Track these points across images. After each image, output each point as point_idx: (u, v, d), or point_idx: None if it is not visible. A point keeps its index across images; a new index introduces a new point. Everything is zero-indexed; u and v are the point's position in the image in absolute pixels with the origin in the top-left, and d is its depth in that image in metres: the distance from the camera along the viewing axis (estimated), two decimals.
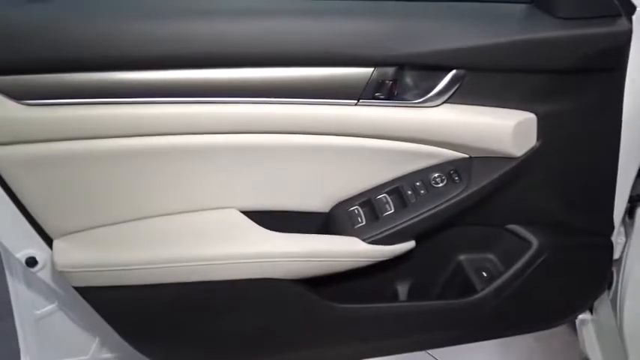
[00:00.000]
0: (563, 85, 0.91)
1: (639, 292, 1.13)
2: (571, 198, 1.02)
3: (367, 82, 0.88)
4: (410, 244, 0.99)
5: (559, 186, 1.01)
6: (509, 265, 1.05)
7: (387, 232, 0.97)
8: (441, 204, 0.96)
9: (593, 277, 1.11)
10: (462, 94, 0.90)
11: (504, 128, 0.92)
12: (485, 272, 1.07)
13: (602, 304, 1.21)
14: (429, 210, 0.96)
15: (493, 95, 0.92)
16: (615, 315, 1.17)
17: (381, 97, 0.89)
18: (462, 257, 1.10)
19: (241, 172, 0.95)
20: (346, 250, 0.97)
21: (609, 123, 0.95)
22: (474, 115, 0.92)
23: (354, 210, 1.00)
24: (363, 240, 0.97)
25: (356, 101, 0.89)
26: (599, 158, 0.99)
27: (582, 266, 1.08)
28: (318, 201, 1.00)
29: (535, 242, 1.04)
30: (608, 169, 0.99)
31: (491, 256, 1.10)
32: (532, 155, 0.95)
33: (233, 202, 0.98)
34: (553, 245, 1.04)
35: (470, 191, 0.96)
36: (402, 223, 0.96)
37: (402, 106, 0.91)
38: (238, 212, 0.98)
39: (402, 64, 0.88)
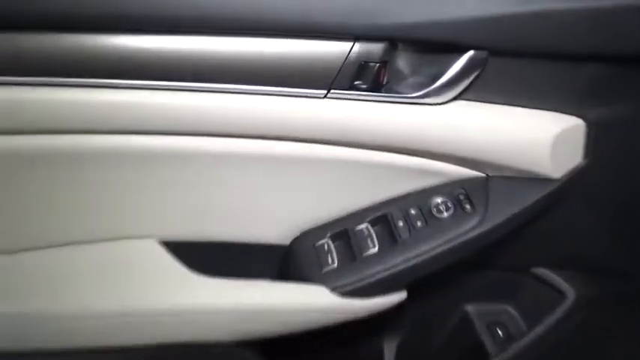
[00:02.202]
0: (628, 80, 0.65)
1: None
2: (625, 235, 0.77)
3: (342, 64, 0.60)
4: (399, 296, 0.73)
5: (610, 219, 0.76)
6: (533, 322, 0.81)
7: (368, 280, 0.69)
8: (446, 242, 0.69)
9: None
10: (481, 86, 0.65)
11: (540, 139, 0.66)
12: (500, 330, 0.84)
13: None
14: (428, 251, 0.69)
15: (526, 90, 0.66)
16: None
17: (362, 86, 0.62)
18: (469, 307, 0.86)
19: (163, 188, 0.69)
20: (310, 303, 0.70)
21: None
22: (496, 118, 0.66)
23: (323, 245, 0.73)
24: (334, 289, 0.69)
25: (325, 92, 0.62)
26: None
27: (635, 327, 0.80)
28: (274, 230, 0.75)
29: (571, 293, 0.80)
30: None
31: (509, 308, 0.86)
32: (576, 177, 0.70)
33: (151, 229, 0.72)
34: (596, 298, 0.80)
35: (487, 226, 0.69)
36: (390, 268, 0.69)
37: (392, 102, 0.64)
38: (158, 245, 0.72)
39: (393, 39, 0.60)
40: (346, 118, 0.63)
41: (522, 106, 0.66)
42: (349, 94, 0.62)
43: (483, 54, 0.61)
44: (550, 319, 0.80)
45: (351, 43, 0.59)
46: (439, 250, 0.69)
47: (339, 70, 0.60)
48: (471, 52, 0.61)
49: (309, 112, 0.62)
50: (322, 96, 0.62)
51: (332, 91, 0.61)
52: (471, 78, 0.63)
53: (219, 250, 0.74)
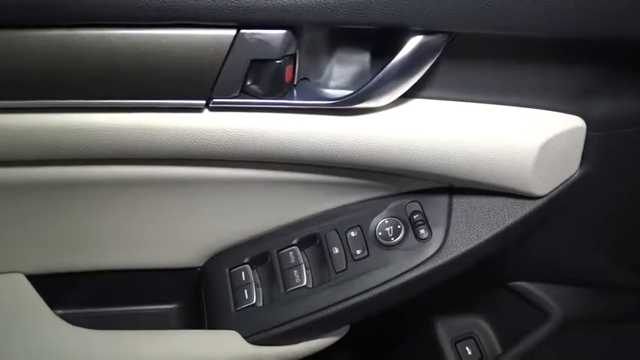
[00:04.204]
0: None
1: None
2: (622, 251, 0.61)
3: (223, 62, 0.40)
4: (338, 335, 0.57)
5: (605, 233, 0.59)
6: (511, 342, 0.68)
7: (293, 325, 0.53)
8: (393, 279, 0.53)
9: None
10: (440, 79, 0.46)
11: (522, 146, 0.47)
12: (469, 348, 0.70)
13: None
14: (370, 289, 0.53)
15: (506, 82, 0.46)
16: None
17: (259, 91, 0.41)
18: (434, 321, 0.72)
19: (50, 217, 0.53)
20: (219, 354, 0.54)
21: None
22: (462, 120, 0.47)
23: (240, 272, 0.56)
24: (250, 336, 0.54)
25: (204, 102, 0.42)
26: None
27: (629, 349, 0.66)
28: (182, 253, 0.59)
29: (557, 310, 0.66)
30: None
31: (481, 323, 0.70)
32: (566, 192, 0.51)
33: (16, 261, 0.55)
34: (585, 316, 0.67)
35: (447, 257, 0.53)
36: (322, 310, 0.53)
37: (304, 109, 0.43)
38: (24, 279, 0.55)
39: (296, 24, 0.39)
40: (237, 134, 0.43)
41: (500, 103, 0.47)
42: (238, 103, 0.42)
43: (440, 37, 0.41)
44: (530, 339, 0.66)
45: (233, 32, 0.39)
46: (385, 288, 0.53)
47: (220, 70, 0.40)
48: (420, 37, 0.40)
49: (188, 128, 0.43)
50: (202, 107, 0.42)
51: (214, 100, 0.41)
52: (423, 70, 0.42)
53: (127, 277, 0.59)
